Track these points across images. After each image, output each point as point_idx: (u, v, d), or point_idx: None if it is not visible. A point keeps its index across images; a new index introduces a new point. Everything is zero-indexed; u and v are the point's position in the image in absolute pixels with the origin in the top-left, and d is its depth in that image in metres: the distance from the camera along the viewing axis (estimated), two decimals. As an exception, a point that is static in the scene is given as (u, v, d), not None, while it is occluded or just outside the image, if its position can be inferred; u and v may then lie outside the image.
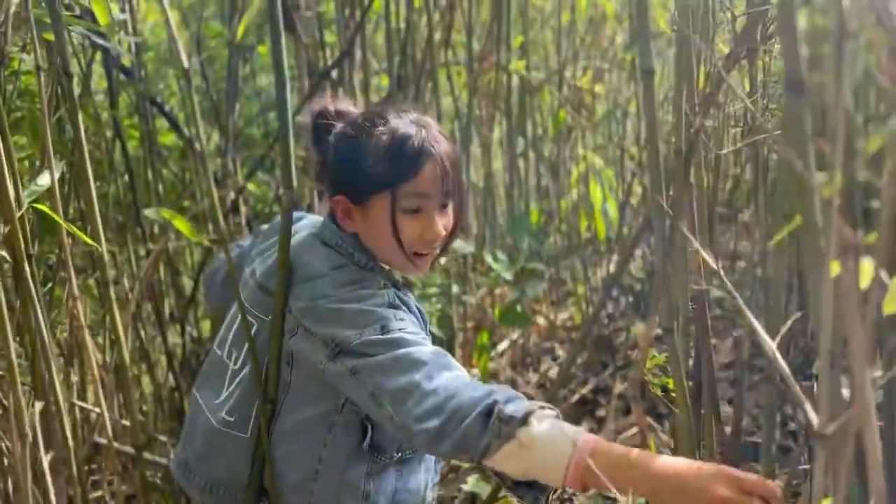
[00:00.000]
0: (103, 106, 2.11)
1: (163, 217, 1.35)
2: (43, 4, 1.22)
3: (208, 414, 1.16)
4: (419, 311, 1.13)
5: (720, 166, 1.72)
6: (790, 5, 0.61)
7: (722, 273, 0.88)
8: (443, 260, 1.97)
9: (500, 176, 3.26)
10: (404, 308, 1.07)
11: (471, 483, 1.87)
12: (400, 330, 1.01)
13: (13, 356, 1.05)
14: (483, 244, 2.82)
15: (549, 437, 0.87)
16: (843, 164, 0.52)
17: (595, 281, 3.03)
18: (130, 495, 2.03)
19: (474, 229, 3.06)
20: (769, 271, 2.41)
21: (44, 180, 1.27)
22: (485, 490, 1.80)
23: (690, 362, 1.27)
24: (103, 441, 1.77)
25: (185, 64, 1.04)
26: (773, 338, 0.68)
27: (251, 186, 2.69)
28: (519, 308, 2.22)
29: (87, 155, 1.26)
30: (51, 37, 1.28)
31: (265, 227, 1.34)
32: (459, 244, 2.21)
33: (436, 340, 1.15)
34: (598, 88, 3.13)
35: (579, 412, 2.38)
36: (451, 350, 2.34)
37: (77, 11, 1.48)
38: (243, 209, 2.44)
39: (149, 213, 1.48)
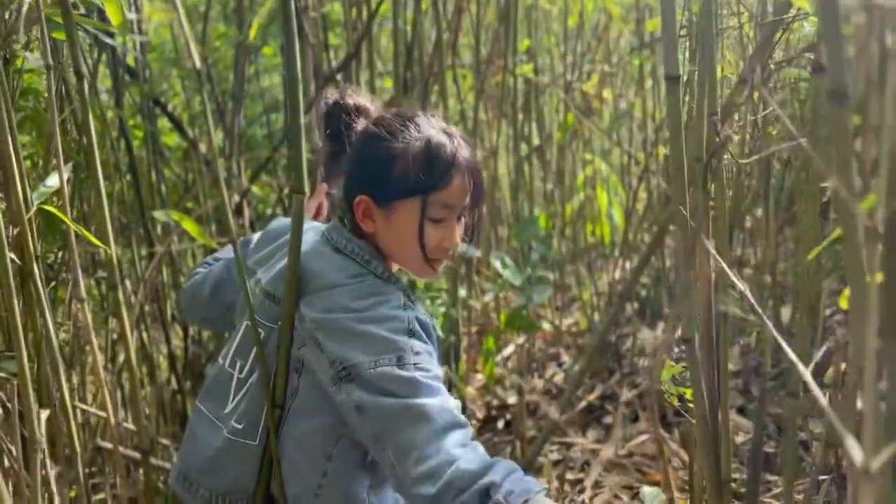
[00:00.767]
0: (108, 105, 2.09)
1: (172, 219, 1.33)
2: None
3: (219, 424, 1.14)
4: (429, 322, 1.11)
5: (740, 176, 1.71)
6: (834, 12, 0.60)
7: (746, 290, 0.87)
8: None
9: (504, 179, 3.25)
10: (421, 333, 1.04)
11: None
12: (415, 366, 0.98)
13: (25, 361, 1.03)
14: (489, 248, 2.81)
15: None
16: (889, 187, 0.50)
17: (601, 286, 3.01)
18: (131, 499, 2.01)
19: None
20: (777, 278, 2.40)
21: (52, 181, 1.25)
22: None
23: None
24: (107, 445, 1.76)
25: (198, 65, 1.02)
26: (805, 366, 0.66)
27: (254, 188, 2.67)
28: (525, 314, 2.20)
29: (97, 157, 1.24)
30: (61, 35, 1.26)
31: (254, 236, 1.31)
32: (466, 248, 2.19)
33: (441, 344, 1.14)
34: (606, 93, 3.11)
35: (586, 419, 2.36)
36: (455, 355, 2.32)
37: (82, 10, 1.46)
38: (247, 211, 2.42)
39: (158, 214, 1.45)
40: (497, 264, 2.19)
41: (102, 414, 1.68)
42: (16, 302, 1.04)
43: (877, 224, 0.52)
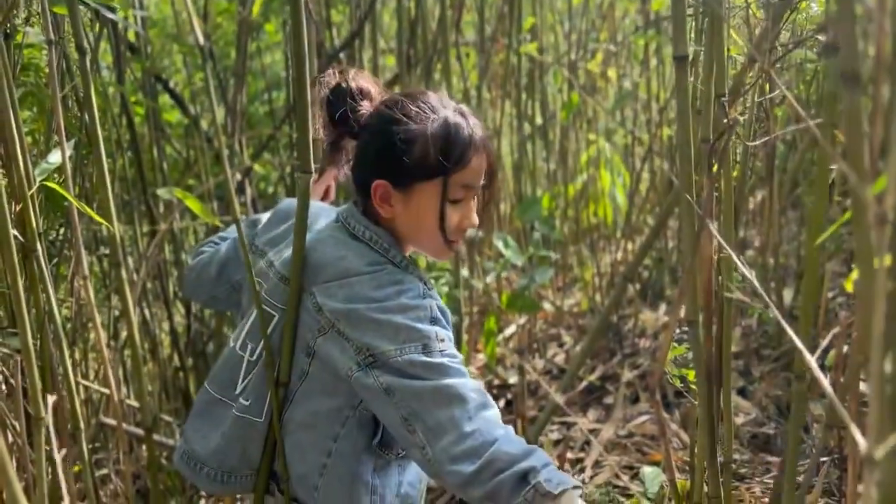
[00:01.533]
0: (109, 81, 2.08)
1: (175, 196, 1.32)
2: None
3: (230, 403, 1.14)
4: (446, 308, 1.11)
5: (746, 158, 1.70)
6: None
7: (751, 274, 0.86)
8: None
9: (507, 159, 3.24)
10: (441, 320, 1.05)
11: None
12: (441, 353, 0.99)
13: (28, 337, 1.03)
14: (491, 228, 2.80)
15: None
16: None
17: (603, 267, 3.01)
18: (134, 474, 2.03)
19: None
20: (780, 260, 2.40)
21: (54, 158, 1.25)
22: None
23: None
24: (111, 422, 1.76)
25: (200, 41, 1.01)
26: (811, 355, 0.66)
27: (255, 166, 2.66)
28: (527, 294, 2.20)
29: (100, 134, 1.24)
30: (62, 10, 1.24)
31: (262, 216, 1.29)
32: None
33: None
34: (610, 72, 3.09)
35: (587, 399, 2.37)
36: (457, 335, 2.32)
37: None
38: (248, 190, 2.42)
39: (161, 192, 1.45)
40: (499, 244, 2.18)
41: (105, 390, 1.69)
42: (19, 278, 1.04)
43: (886, 207, 0.51)
